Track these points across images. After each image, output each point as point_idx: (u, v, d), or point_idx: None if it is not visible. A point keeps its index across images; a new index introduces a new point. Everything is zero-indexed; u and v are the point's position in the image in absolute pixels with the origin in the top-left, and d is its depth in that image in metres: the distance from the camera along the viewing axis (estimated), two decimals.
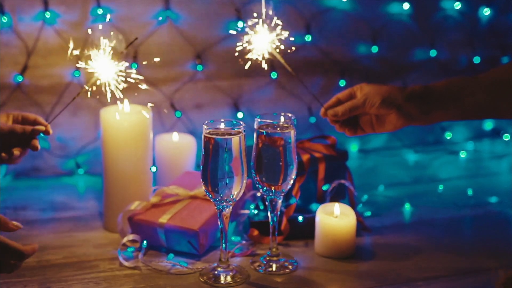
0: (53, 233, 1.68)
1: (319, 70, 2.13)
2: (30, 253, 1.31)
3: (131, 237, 1.56)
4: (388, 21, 2.15)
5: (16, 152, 1.44)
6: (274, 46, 1.55)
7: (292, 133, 1.48)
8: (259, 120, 1.48)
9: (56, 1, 1.89)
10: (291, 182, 1.49)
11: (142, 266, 1.52)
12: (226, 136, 1.38)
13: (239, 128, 1.40)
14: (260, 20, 1.53)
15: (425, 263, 1.55)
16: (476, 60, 2.24)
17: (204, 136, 1.39)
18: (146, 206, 1.61)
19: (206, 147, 1.39)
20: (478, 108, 1.52)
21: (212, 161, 1.38)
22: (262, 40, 1.54)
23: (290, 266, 1.52)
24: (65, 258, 1.55)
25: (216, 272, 1.47)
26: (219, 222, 1.45)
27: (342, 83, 2.13)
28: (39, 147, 1.45)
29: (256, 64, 1.58)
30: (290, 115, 1.49)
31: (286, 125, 1.48)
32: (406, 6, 2.14)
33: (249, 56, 1.54)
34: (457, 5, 2.18)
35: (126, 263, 1.52)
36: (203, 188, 1.42)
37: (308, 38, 2.08)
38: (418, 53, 2.21)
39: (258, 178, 1.48)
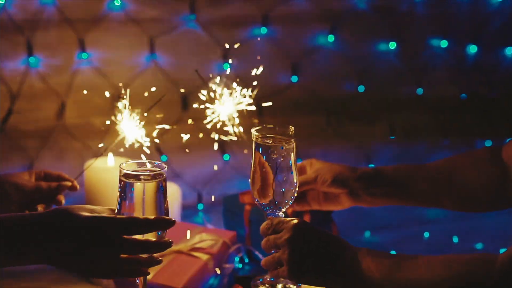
0: None
1: (306, 111, 2.12)
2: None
3: None
4: (375, 60, 2.15)
5: (40, 208, 1.47)
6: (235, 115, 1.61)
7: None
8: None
9: (40, 47, 1.89)
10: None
11: None
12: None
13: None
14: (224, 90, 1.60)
15: None
16: (463, 97, 2.24)
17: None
18: None
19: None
20: (421, 197, 1.52)
21: None
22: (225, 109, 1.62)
23: (294, 286, 1.43)
24: None
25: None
26: None
27: (329, 123, 2.13)
28: (63, 202, 1.48)
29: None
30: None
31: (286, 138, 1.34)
32: (392, 45, 2.14)
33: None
34: (444, 44, 2.18)
35: None
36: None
37: (294, 79, 2.07)
38: (405, 92, 2.20)
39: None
